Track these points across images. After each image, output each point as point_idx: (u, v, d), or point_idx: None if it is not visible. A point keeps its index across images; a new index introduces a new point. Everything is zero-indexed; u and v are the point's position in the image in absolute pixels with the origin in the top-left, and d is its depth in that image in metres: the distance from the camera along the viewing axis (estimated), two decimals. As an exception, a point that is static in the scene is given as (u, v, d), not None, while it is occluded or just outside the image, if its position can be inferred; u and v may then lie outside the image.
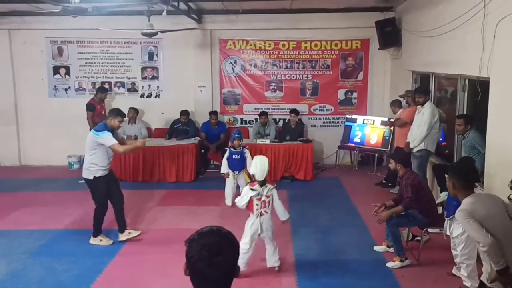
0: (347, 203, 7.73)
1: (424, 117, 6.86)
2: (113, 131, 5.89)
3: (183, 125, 9.66)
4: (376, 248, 5.80)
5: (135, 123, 9.70)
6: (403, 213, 5.32)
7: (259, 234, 4.99)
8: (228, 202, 7.52)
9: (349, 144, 9.89)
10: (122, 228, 6.15)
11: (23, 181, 9.18)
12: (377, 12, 9.40)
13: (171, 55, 10.21)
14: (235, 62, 10.29)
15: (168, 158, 9.00)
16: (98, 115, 9.39)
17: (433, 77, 7.64)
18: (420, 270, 5.28)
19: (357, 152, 9.88)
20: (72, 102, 10.15)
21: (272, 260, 5.09)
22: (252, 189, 5.01)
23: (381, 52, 9.78)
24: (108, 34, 9.73)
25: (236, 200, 5.23)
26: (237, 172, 7.56)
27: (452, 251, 4.96)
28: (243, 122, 10.47)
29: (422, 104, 6.96)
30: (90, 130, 9.19)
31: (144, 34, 7.66)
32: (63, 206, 7.53)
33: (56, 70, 10.32)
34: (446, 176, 4.02)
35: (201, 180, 9.25)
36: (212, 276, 1.68)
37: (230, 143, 7.93)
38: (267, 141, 9.20)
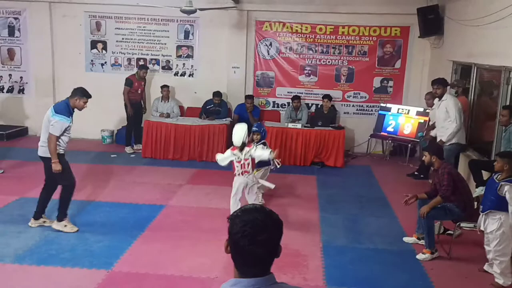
0: (377, 192, 7.63)
1: (451, 111, 6.67)
2: (72, 111, 5.53)
3: (215, 106, 9.67)
4: (406, 239, 5.70)
5: (168, 101, 9.76)
6: (439, 205, 5.20)
7: (245, 187, 5.69)
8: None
9: (382, 133, 9.72)
10: (62, 216, 5.63)
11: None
12: (419, -2, 9.13)
13: (207, 34, 10.19)
14: (271, 44, 10.20)
15: (199, 138, 9.03)
16: (134, 92, 9.51)
17: (475, 68, 7.39)
18: (450, 264, 5.17)
19: (390, 141, 9.71)
20: (107, 77, 10.29)
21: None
22: (233, 154, 5.69)
23: (421, 40, 9.52)
24: (145, 11, 9.79)
25: (218, 156, 5.81)
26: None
27: (485, 247, 4.83)
28: (275, 105, 10.41)
29: (440, 97, 6.76)
30: (125, 105, 9.42)
31: (183, 11, 7.65)
32: (96, 178, 7.67)
33: (93, 44, 10.44)
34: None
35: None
36: (254, 253, 1.66)
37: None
38: (298, 126, 9.12)
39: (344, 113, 10.22)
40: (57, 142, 5.38)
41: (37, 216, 5.69)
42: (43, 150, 5.51)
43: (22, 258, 4.89)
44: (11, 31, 10.48)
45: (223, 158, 5.77)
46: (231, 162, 5.74)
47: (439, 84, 6.71)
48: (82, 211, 6.23)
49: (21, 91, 10.74)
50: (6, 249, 5.02)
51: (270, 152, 5.78)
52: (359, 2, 9.54)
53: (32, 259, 4.87)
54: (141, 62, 10.17)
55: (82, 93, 5.55)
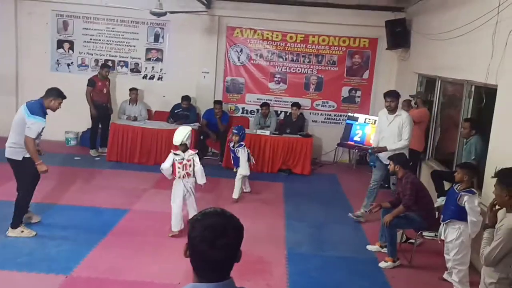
0: (342, 200, 7.71)
1: (405, 130, 6.24)
2: (46, 113, 5.40)
3: (183, 110, 9.59)
4: (369, 247, 5.78)
5: (136, 104, 9.62)
6: (402, 214, 5.29)
7: (185, 196, 5.75)
8: (236, 195, 7.16)
9: (349, 142, 9.84)
10: (17, 222, 5.41)
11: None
12: (388, 11, 9.33)
13: (177, 38, 10.12)
14: (241, 50, 10.21)
15: (166, 142, 8.91)
16: (99, 92, 9.36)
17: (439, 81, 7.59)
18: (411, 272, 5.27)
19: (356, 151, 9.84)
20: (73, 78, 10.05)
21: None
22: (175, 154, 5.75)
23: (388, 52, 9.73)
24: (115, 12, 9.65)
25: (162, 165, 5.82)
26: (235, 168, 7.44)
27: (445, 255, 4.93)
28: (245, 112, 10.41)
29: (394, 110, 6.32)
30: (90, 106, 9.23)
31: (153, 14, 7.57)
32: (59, 181, 7.46)
33: (60, 44, 10.21)
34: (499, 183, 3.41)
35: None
36: (213, 258, 1.64)
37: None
38: (267, 133, 9.15)
39: (313, 121, 10.32)
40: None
41: (17, 224, 5.40)
42: (11, 151, 5.31)
43: (-25, 261, 4.70)
44: (-27, 27, 10.13)
45: (167, 166, 5.72)
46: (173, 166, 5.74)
47: (393, 98, 6.32)
48: (42, 214, 6.01)
49: (-18, 89, 10.37)
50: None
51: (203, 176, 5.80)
52: (329, 13, 9.66)
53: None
54: (110, 64, 9.99)
55: (57, 94, 5.42)
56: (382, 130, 6.49)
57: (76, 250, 5.11)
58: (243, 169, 7.16)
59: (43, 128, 5.34)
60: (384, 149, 6.34)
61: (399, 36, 9.01)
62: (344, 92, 10.29)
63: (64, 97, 5.53)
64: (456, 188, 4.73)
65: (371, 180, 6.68)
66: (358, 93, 10.29)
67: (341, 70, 10.20)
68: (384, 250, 5.53)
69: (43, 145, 9.19)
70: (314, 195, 7.91)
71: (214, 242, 1.62)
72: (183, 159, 5.70)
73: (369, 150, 6.64)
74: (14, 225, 5.37)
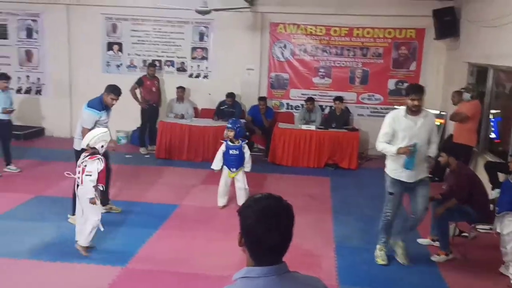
0: (391, 194, 7.57)
1: (434, 132, 4.98)
2: (107, 107, 5.81)
3: (229, 107, 9.71)
4: (420, 240, 5.66)
5: (182, 102, 9.83)
6: (454, 207, 5.15)
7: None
8: (221, 202, 6.62)
9: (397, 135, 9.63)
10: (106, 201, 6.11)
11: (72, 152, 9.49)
12: (435, 0, 9.07)
13: (221, 36, 10.24)
14: (285, 46, 10.21)
15: (213, 139, 9.06)
16: (148, 91, 9.62)
17: (492, 70, 7.31)
18: (466, 266, 5.12)
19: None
20: (123, 78, 10.28)
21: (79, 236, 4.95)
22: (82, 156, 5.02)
23: (436, 42, 9.45)
24: (161, 13, 9.90)
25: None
26: (234, 169, 6.50)
27: (501, 249, 4.78)
28: (289, 107, 10.41)
29: (419, 110, 4.76)
30: (137, 102, 9.51)
31: (198, 12, 7.72)
32: (112, 178, 7.70)
33: (109, 46, 10.57)
34: None
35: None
36: (271, 241, 1.65)
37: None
38: (312, 127, 9.12)
39: (358, 115, 10.19)
40: None
41: (105, 203, 6.00)
42: (75, 142, 5.84)
43: (38, 254, 4.95)
44: (29, 33, 10.65)
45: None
46: None
47: (420, 94, 4.73)
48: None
49: (38, 92, 10.89)
50: (23, 246, 5.09)
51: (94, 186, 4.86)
52: (374, 4, 9.51)
53: (48, 255, 4.93)
54: (157, 64, 10.24)
55: (110, 90, 5.79)
56: (408, 136, 4.75)
57: (130, 243, 5.30)
58: (250, 165, 6.55)
59: (102, 121, 5.74)
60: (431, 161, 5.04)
61: (448, 25, 8.73)
62: (390, 85, 10.09)
63: (116, 93, 5.82)
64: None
65: (386, 209, 5.09)
66: (405, 85, 10.03)
67: (387, 63, 10.01)
68: (436, 243, 5.41)
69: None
70: (362, 190, 7.81)
71: (270, 225, 1.64)
72: (80, 164, 4.97)
73: (412, 147, 4.65)
74: (74, 212, 5.68)
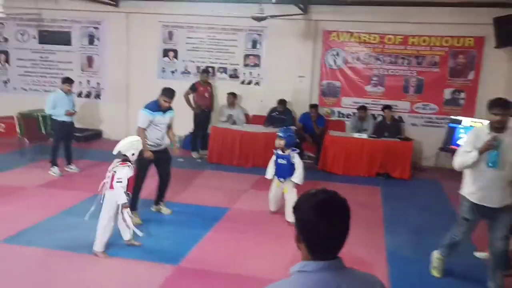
0: (446, 206, 7.36)
1: None
2: (165, 110, 6.03)
3: (280, 114, 9.77)
4: (477, 254, 5.46)
5: (233, 108, 9.98)
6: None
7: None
8: (272, 207, 6.59)
9: (452, 146, 9.36)
10: (158, 201, 6.47)
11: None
12: (496, 8, 8.77)
13: (274, 44, 10.34)
14: (337, 54, 10.18)
15: (264, 145, 9.13)
16: (201, 96, 9.84)
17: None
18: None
19: (460, 155, 9.31)
20: (177, 84, 10.51)
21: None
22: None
23: (497, 51, 9.14)
24: (215, 21, 10.14)
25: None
26: (282, 179, 6.32)
27: None
28: (340, 115, 10.35)
29: (503, 126, 4.25)
30: (189, 107, 9.76)
31: (254, 18, 7.85)
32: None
33: (165, 52, 10.91)
34: None
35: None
36: (328, 235, 1.66)
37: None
38: (364, 136, 9.02)
39: (412, 124, 9.98)
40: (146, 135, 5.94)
41: (156, 202, 6.43)
42: None
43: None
44: (91, 39, 11.17)
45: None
46: None
47: (506, 109, 4.25)
48: (152, 210, 6.49)
49: (97, 96, 11.39)
50: (83, 241, 5.31)
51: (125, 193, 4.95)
52: (430, 12, 9.32)
53: (106, 251, 5.13)
54: (210, 70, 10.47)
55: (162, 92, 6.02)
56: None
57: (183, 243, 5.43)
58: (298, 177, 6.21)
59: (157, 122, 5.96)
60: None
61: (510, 33, 8.42)
62: (446, 94, 9.83)
63: (167, 95, 5.99)
64: None
65: (454, 232, 4.82)
66: (462, 95, 9.77)
67: (443, 71, 9.76)
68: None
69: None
70: (415, 200, 7.64)
71: (328, 219, 1.65)
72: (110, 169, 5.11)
73: (496, 142, 4.17)
74: (132, 208, 5.91)
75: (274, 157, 6.42)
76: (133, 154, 5.11)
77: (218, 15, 8.93)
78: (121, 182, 4.90)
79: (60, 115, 8.00)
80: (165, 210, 6.45)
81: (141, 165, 5.89)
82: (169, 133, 6.36)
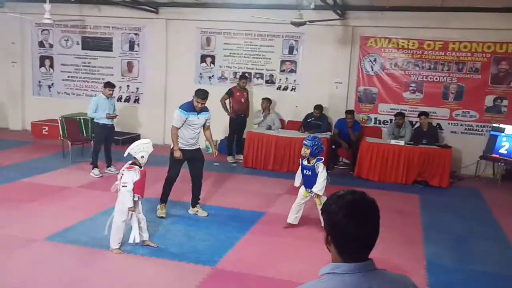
0: (487, 215, 7.17)
1: None
2: (199, 111, 6.16)
3: (316, 119, 9.75)
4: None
5: (268, 113, 10.02)
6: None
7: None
8: (290, 219, 6.14)
9: (494, 155, 9.11)
10: (194, 203, 6.59)
11: (165, 158, 10.01)
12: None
13: (311, 50, 10.35)
14: (375, 60, 10.09)
15: (299, 150, 9.06)
16: (237, 101, 9.93)
17: None
18: None
19: (502, 164, 9.06)
20: (213, 89, 10.63)
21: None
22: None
23: (542, 57, 8.86)
24: (253, 27, 10.23)
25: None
26: (309, 190, 6.06)
27: None
28: (377, 122, 10.23)
29: None
30: (226, 112, 9.87)
31: (293, 23, 7.87)
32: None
33: (203, 58, 11.07)
34: None
35: (329, 175, 9.20)
36: (358, 236, 1.64)
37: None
38: (401, 143, 8.88)
39: (451, 132, 9.77)
40: (179, 135, 6.19)
41: (194, 204, 6.60)
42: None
43: (137, 249, 5.28)
44: (132, 45, 11.46)
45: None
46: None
47: None
48: (189, 212, 6.59)
49: (136, 101, 11.66)
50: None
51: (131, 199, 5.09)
52: (472, 17, 9.12)
53: (145, 251, 5.24)
54: (247, 76, 10.55)
55: (196, 92, 6.17)
56: None
57: (220, 246, 5.48)
58: (317, 187, 5.93)
59: (190, 122, 6.14)
60: None
61: (555, 38, 8.17)
62: (487, 101, 9.58)
63: (199, 96, 6.09)
64: None
65: None
66: (505, 102, 9.50)
67: (484, 78, 9.53)
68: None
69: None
70: (454, 209, 7.47)
71: (358, 220, 1.64)
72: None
73: None
74: (162, 200, 6.37)
75: (300, 167, 6.24)
76: (142, 157, 5.21)
77: (256, 21, 8.99)
78: (126, 186, 5.06)
79: (101, 118, 8.24)
80: (201, 213, 6.54)
81: (174, 161, 6.24)
82: (207, 134, 6.49)
